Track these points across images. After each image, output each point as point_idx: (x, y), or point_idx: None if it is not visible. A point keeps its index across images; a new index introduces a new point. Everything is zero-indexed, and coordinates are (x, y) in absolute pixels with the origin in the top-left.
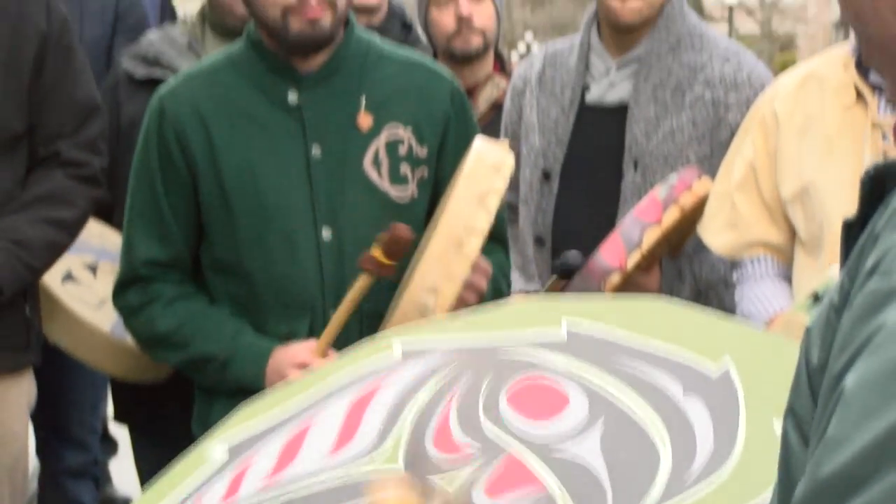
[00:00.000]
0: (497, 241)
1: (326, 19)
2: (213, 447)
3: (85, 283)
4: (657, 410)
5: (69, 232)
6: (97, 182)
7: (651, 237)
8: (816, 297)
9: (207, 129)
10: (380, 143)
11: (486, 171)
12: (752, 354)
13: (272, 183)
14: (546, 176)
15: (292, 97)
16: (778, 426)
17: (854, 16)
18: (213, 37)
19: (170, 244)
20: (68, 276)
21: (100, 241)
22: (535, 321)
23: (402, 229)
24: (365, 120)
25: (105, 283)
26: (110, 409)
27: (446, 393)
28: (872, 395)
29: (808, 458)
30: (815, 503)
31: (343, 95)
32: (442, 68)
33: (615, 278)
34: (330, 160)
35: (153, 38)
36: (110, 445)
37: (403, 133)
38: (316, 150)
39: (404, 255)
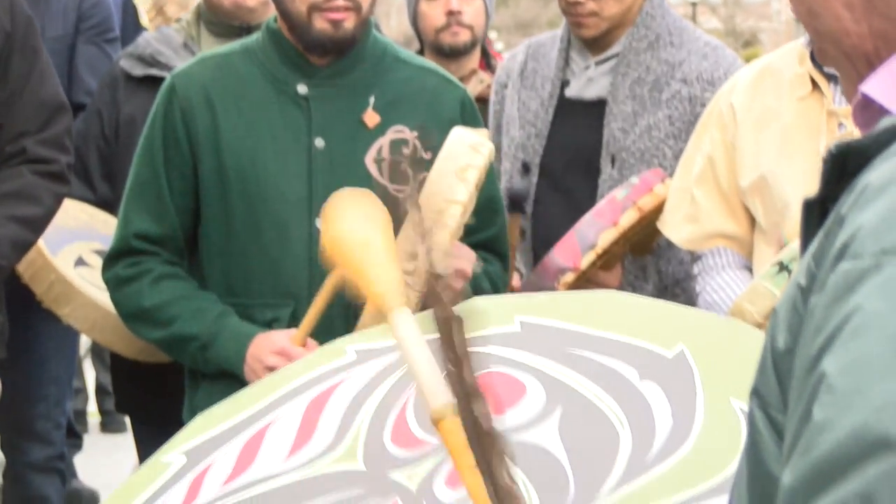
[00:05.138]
0: (496, 254)
1: (350, 22)
2: (170, 454)
3: (96, 267)
4: (614, 395)
5: (35, 229)
6: (64, 179)
7: (607, 238)
8: (781, 266)
9: (214, 112)
10: (384, 141)
11: (464, 149)
12: (706, 338)
13: (272, 170)
14: (525, 168)
15: (302, 88)
16: (735, 405)
17: (806, 11)
18: (208, 36)
19: (164, 221)
20: (80, 262)
21: (105, 228)
22: (488, 319)
23: None
24: (372, 118)
25: None
26: (87, 403)
27: (402, 390)
28: (856, 379)
29: (787, 443)
30: (810, 486)
31: (353, 92)
32: (453, 77)
33: (569, 277)
34: (332, 153)
35: (149, 38)
36: (75, 440)
37: (409, 135)
38: (319, 143)
39: None
